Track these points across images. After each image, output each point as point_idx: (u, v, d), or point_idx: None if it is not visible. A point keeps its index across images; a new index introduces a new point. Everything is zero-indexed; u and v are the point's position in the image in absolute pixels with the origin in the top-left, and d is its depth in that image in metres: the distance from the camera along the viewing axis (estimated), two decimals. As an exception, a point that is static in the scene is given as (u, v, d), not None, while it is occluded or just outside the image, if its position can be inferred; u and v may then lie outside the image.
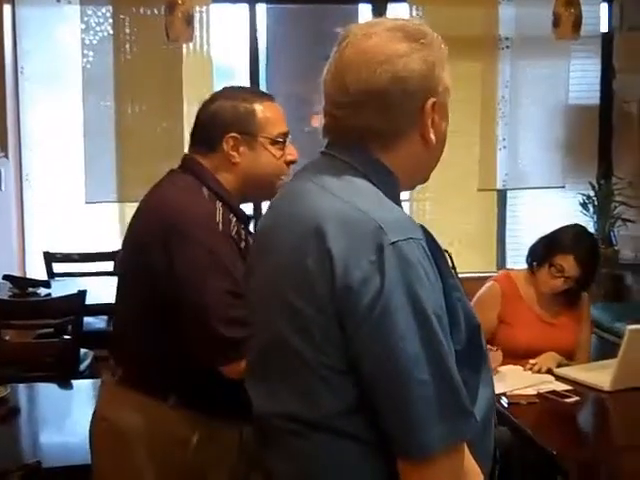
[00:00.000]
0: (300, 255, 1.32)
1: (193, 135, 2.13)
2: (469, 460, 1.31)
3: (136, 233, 2.06)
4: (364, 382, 1.28)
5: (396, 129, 1.40)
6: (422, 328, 1.24)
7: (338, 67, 1.40)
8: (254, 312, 1.49)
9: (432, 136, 1.41)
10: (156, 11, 5.35)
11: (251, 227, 2.10)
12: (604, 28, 5.92)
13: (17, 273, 5.13)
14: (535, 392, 2.82)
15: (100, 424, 2.07)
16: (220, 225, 1.96)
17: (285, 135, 2.09)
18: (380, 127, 1.39)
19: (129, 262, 2.07)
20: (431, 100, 1.39)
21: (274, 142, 2.07)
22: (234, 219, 2.01)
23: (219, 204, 2.00)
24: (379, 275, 1.25)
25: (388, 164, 1.41)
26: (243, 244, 1.98)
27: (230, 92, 2.13)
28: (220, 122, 2.04)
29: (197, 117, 2.11)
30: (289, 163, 2.10)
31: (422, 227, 1.33)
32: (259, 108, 2.05)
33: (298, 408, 1.35)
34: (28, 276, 5.20)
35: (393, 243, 1.26)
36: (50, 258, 5.11)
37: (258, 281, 1.46)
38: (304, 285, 1.31)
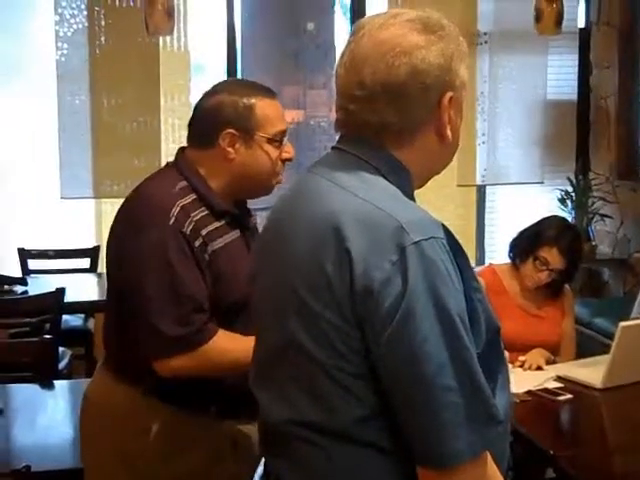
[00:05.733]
0: (317, 255, 1.27)
1: (190, 127, 2.09)
2: (492, 467, 1.27)
3: (112, 227, 2.08)
4: (385, 388, 1.23)
5: (412, 124, 1.35)
6: (447, 331, 1.20)
7: (353, 59, 1.35)
8: (262, 312, 1.43)
9: (448, 132, 1.37)
10: (132, 3, 5.27)
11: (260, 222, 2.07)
12: (581, 23, 5.93)
13: (-9, 270, 5.03)
14: (527, 390, 2.81)
15: (83, 403, 2.13)
16: (172, 219, 1.92)
17: (283, 134, 2.06)
18: (396, 122, 1.34)
19: (107, 254, 2.11)
20: (448, 94, 1.36)
21: (271, 141, 2.03)
22: (201, 214, 1.96)
23: (191, 197, 1.97)
24: (401, 276, 1.20)
25: (403, 160, 1.37)
26: (198, 242, 1.94)
27: (232, 85, 2.11)
28: (218, 117, 2.01)
29: (196, 109, 2.07)
30: (285, 161, 2.08)
31: (443, 225, 1.29)
32: (259, 105, 2.02)
33: (312, 414, 1.30)
34: (2, 273, 5.09)
35: (415, 243, 1.22)
36: (25, 255, 5.02)
37: (268, 282, 1.40)
38: (321, 286, 1.26)
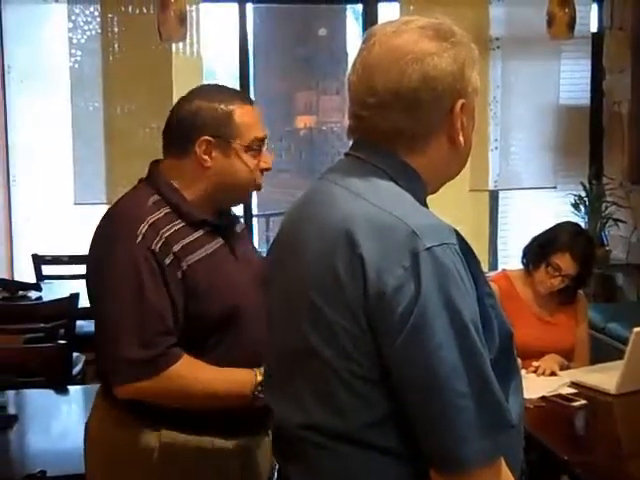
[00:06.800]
0: (330, 261, 1.28)
1: (166, 135, 2.01)
2: (505, 472, 1.27)
3: (89, 247, 2.01)
4: (398, 393, 1.24)
5: (424, 131, 1.36)
6: (460, 337, 1.20)
7: (365, 66, 1.36)
8: (275, 318, 1.44)
9: (461, 139, 1.38)
10: (145, 10, 5.29)
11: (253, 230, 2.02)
12: (594, 28, 5.92)
13: (5, 276, 5.06)
14: (541, 395, 2.80)
15: (85, 435, 2.06)
16: (139, 237, 1.85)
17: (261, 141, 1.99)
18: (408, 128, 1.35)
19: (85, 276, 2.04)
20: (460, 101, 1.36)
21: (248, 149, 1.97)
22: (175, 228, 1.90)
23: (164, 211, 1.91)
24: (414, 282, 1.21)
25: (415, 167, 1.38)
26: (169, 259, 1.87)
27: (209, 92, 2.02)
28: (195, 123, 1.93)
29: (171, 116, 1.99)
30: (262, 170, 2.01)
31: (455, 231, 1.29)
32: (237, 111, 1.95)
33: (325, 419, 1.30)
34: (16, 279, 5.12)
35: (428, 249, 1.22)
36: (39, 260, 5.03)
37: (282, 286, 1.41)
38: (334, 292, 1.27)
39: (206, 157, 1.94)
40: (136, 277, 1.83)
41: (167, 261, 1.86)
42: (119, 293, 1.84)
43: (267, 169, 2.02)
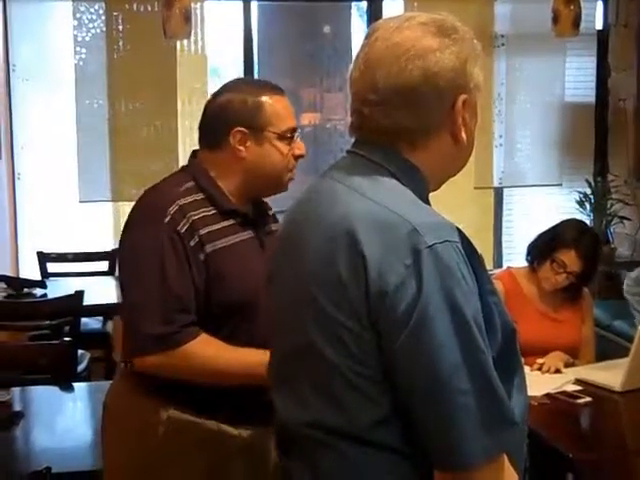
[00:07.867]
0: (331, 259, 1.27)
1: (201, 129, 2.10)
2: (508, 469, 1.27)
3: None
4: (401, 391, 1.23)
5: (426, 127, 1.35)
6: (462, 335, 1.20)
7: (367, 63, 1.35)
8: (279, 316, 1.44)
9: (463, 135, 1.37)
10: (149, 8, 5.31)
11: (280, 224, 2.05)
12: (599, 25, 5.90)
13: (10, 273, 5.07)
14: (545, 393, 2.80)
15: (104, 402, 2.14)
16: (168, 217, 1.93)
17: (293, 130, 2.06)
18: (410, 125, 1.34)
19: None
20: (462, 97, 1.35)
21: (281, 137, 2.04)
22: (204, 214, 1.96)
23: (195, 197, 1.98)
24: (415, 279, 1.20)
25: (417, 163, 1.37)
26: (194, 241, 1.93)
27: (240, 85, 2.11)
28: (227, 116, 2.01)
29: (205, 110, 2.08)
30: (297, 158, 2.08)
31: (457, 229, 1.29)
32: (268, 102, 2.03)
33: (328, 417, 1.30)
34: (21, 276, 5.14)
35: (430, 246, 1.22)
36: (44, 258, 5.05)
37: (285, 285, 1.41)
38: (336, 290, 1.26)
39: (241, 147, 2.02)
40: (160, 256, 1.91)
41: (192, 243, 1.93)
42: (144, 270, 1.93)
43: (301, 156, 2.09)
